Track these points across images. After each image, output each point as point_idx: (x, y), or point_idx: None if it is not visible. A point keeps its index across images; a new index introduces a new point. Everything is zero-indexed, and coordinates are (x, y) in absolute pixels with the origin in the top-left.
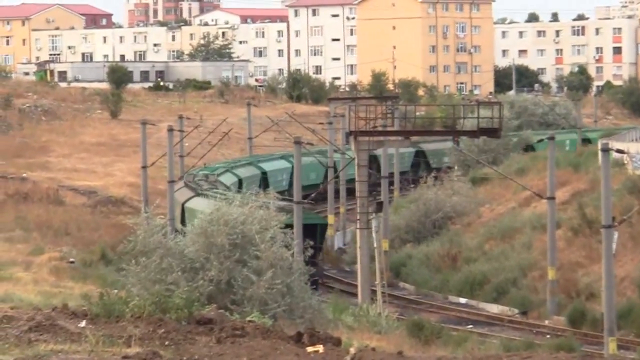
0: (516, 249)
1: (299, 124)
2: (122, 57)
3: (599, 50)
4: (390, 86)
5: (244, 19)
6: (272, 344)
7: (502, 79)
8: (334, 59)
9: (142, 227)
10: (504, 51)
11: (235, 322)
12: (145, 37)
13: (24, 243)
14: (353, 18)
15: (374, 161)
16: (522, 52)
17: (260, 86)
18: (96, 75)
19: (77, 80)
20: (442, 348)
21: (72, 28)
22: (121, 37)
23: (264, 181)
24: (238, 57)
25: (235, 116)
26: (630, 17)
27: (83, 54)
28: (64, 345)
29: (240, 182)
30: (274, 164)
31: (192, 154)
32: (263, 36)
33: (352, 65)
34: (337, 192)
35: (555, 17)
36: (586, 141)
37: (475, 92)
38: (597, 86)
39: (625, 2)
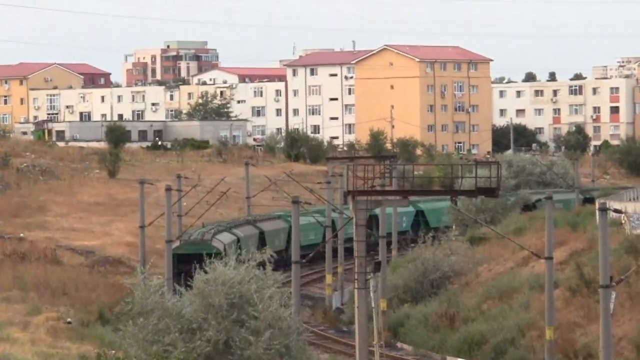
0: (514, 308)
1: (297, 183)
2: (120, 116)
3: (596, 109)
4: (389, 145)
5: (242, 78)
6: None
7: (500, 138)
8: (332, 118)
9: (138, 288)
10: (501, 110)
11: None
12: (144, 96)
13: (22, 303)
14: (351, 77)
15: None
16: (520, 111)
17: (258, 145)
18: (94, 135)
19: (75, 140)
20: None
21: (70, 87)
22: (119, 97)
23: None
24: (236, 116)
25: (233, 175)
26: (627, 76)
27: (81, 113)
28: None
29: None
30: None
31: (190, 213)
32: (261, 95)
33: (350, 125)
34: (335, 251)
35: (552, 77)
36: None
37: (473, 151)
38: (595, 145)
39: (623, 62)
